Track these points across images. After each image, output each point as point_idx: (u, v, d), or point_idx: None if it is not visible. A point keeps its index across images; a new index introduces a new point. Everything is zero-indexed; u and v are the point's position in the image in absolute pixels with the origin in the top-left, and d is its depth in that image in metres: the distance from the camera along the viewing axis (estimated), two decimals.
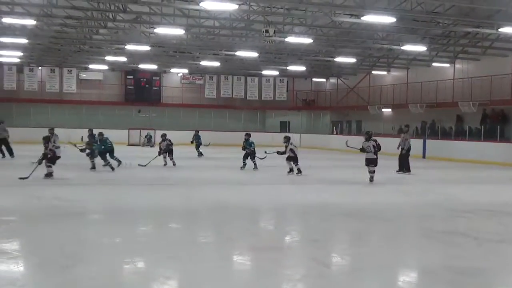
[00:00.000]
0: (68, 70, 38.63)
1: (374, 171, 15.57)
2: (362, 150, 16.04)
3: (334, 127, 40.76)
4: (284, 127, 42.28)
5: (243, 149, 19.64)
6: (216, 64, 34.21)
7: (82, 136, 22.57)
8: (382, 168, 16.63)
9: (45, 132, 18.63)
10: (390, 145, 21.33)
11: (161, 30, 23.35)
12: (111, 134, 19.52)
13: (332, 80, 43.14)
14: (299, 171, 17.42)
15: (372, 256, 7.19)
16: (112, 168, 17.01)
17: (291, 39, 24.55)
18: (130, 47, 28.06)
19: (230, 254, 7.11)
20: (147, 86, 41.05)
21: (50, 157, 14.81)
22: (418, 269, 6.69)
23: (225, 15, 22.77)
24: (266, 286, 5.75)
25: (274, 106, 43.02)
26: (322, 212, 10.70)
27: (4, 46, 29.90)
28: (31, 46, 29.96)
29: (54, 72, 38.58)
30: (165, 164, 19.79)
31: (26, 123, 36.04)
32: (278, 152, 18.41)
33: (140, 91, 40.73)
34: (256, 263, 6.77)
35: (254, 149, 19.26)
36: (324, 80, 44.07)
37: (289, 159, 17.56)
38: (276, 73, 39.93)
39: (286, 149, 17.47)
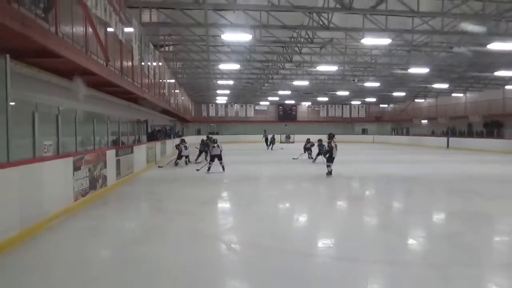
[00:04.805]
0: (249, 105, 56.32)
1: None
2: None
3: (393, 131, 54.09)
4: None
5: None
6: None
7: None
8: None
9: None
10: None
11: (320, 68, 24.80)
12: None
13: (391, 105, 54.87)
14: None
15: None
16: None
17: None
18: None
19: None
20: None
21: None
22: None
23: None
24: None
25: None
26: None
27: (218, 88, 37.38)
28: (234, 86, 35.97)
29: (242, 107, 57.03)
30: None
31: (227, 134, 53.50)
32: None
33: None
34: None
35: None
36: (386, 105, 55.31)
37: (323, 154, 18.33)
38: None
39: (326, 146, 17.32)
